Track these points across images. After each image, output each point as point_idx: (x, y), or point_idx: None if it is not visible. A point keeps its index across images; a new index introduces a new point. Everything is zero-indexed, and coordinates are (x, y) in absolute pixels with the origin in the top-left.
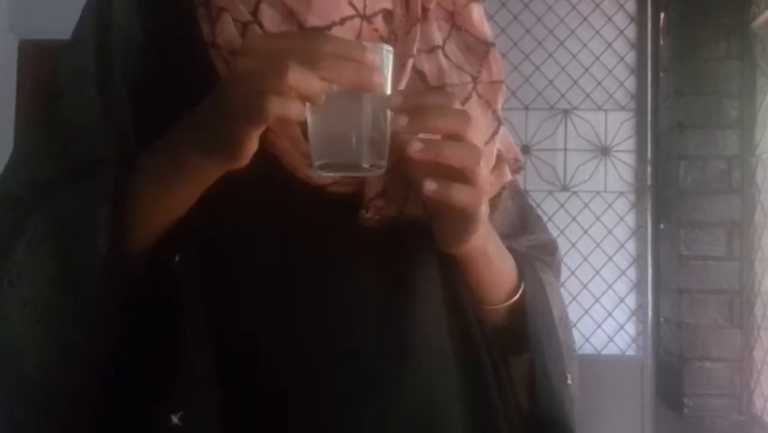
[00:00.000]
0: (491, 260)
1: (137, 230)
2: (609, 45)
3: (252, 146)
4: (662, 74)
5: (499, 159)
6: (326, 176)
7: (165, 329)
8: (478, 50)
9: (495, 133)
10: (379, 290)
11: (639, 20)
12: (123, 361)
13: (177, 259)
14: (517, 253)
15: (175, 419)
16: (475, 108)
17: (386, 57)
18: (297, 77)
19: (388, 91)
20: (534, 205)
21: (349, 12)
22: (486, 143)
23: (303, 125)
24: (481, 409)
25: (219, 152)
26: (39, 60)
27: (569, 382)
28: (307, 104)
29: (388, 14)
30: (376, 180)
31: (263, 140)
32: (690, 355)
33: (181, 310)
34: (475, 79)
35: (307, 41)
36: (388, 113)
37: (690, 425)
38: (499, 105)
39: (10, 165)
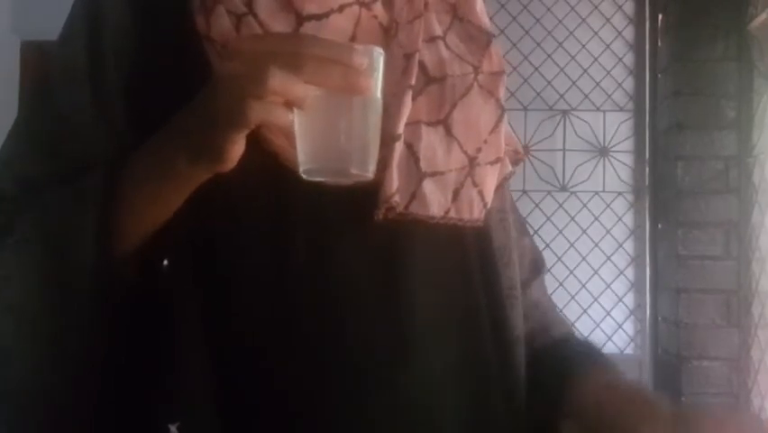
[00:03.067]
0: None
1: (125, 233)
2: (608, 46)
3: (238, 150)
4: (660, 75)
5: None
6: (313, 179)
7: (159, 334)
8: (480, 39)
9: (499, 121)
10: (378, 288)
11: (637, 21)
12: (118, 366)
13: (165, 263)
14: None
15: (173, 429)
16: (476, 98)
17: (376, 59)
18: (279, 82)
19: (379, 95)
20: (534, 205)
21: None
22: (490, 133)
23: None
24: (482, 406)
25: (204, 156)
26: (41, 61)
27: None
28: (295, 108)
29: (388, 1)
30: (395, 176)
31: (258, 137)
32: (688, 354)
33: (174, 314)
34: (476, 69)
35: (293, 44)
36: (379, 117)
37: None
38: (501, 94)
39: (0, 162)
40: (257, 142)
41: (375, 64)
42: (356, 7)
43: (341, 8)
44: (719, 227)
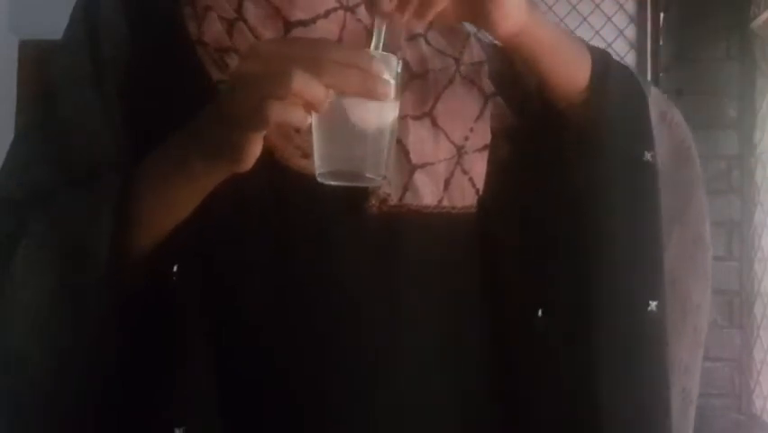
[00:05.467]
0: (551, 45)
1: (139, 235)
2: (609, 45)
3: (256, 150)
4: (661, 74)
5: (496, 132)
6: (329, 183)
7: (165, 339)
8: (460, 32)
9: (483, 109)
10: (377, 278)
11: (639, 20)
12: (126, 368)
13: (175, 270)
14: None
15: (179, 432)
16: (459, 89)
17: (394, 67)
18: (301, 83)
19: (396, 101)
20: None
21: (332, 4)
22: (475, 120)
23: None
24: (477, 391)
25: (222, 156)
26: (39, 60)
27: (647, 159)
28: (313, 112)
29: None
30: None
31: None
32: None
33: (180, 321)
34: (457, 61)
35: (313, 49)
36: (395, 122)
37: None
38: (485, 83)
39: (6, 167)
40: None
41: (392, 71)
42: (341, 12)
43: (326, 13)
44: (721, 228)
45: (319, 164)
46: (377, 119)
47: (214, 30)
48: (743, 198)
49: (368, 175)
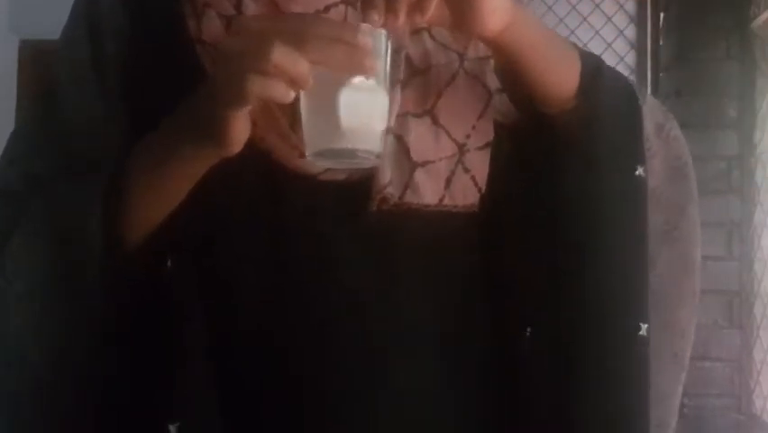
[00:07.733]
0: (537, 44)
1: (132, 224)
2: (609, 45)
3: (241, 129)
4: (661, 74)
5: (501, 128)
6: (322, 165)
7: (161, 334)
8: None
9: (487, 106)
10: (377, 278)
11: (639, 20)
12: (121, 364)
13: (169, 264)
14: (588, 54)
15: (173, 429)
16: (462, 86)
17: (382, 41)
18: (282, 57)
19: (385, 76)
20: None
21: None
22: (478, 118)
23: (290, 118)
24: (474, 395)
25: (208, 136)
26: (39, 60)
27: (638, 173)
28: (302, 91)
29: None
30: (387, 167)
31: (251, 136)
32: (690, 355)
33: (176, 316)
34: (461, 56)
35: (297, 23)
36: (386, 99)
37: (689, 424)
38: (489, 79)
39: (5, 159)
40: (250, 140)
41: (380, 45)
42: (342, 7)
43: (326, 9)
44: (721, 228)
45: (309, 143)
46: (366, 94)
47: (213, 28)
48: (743, 198)
49: (360, 153)
